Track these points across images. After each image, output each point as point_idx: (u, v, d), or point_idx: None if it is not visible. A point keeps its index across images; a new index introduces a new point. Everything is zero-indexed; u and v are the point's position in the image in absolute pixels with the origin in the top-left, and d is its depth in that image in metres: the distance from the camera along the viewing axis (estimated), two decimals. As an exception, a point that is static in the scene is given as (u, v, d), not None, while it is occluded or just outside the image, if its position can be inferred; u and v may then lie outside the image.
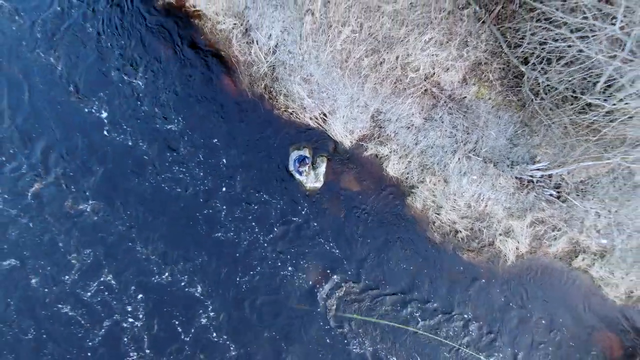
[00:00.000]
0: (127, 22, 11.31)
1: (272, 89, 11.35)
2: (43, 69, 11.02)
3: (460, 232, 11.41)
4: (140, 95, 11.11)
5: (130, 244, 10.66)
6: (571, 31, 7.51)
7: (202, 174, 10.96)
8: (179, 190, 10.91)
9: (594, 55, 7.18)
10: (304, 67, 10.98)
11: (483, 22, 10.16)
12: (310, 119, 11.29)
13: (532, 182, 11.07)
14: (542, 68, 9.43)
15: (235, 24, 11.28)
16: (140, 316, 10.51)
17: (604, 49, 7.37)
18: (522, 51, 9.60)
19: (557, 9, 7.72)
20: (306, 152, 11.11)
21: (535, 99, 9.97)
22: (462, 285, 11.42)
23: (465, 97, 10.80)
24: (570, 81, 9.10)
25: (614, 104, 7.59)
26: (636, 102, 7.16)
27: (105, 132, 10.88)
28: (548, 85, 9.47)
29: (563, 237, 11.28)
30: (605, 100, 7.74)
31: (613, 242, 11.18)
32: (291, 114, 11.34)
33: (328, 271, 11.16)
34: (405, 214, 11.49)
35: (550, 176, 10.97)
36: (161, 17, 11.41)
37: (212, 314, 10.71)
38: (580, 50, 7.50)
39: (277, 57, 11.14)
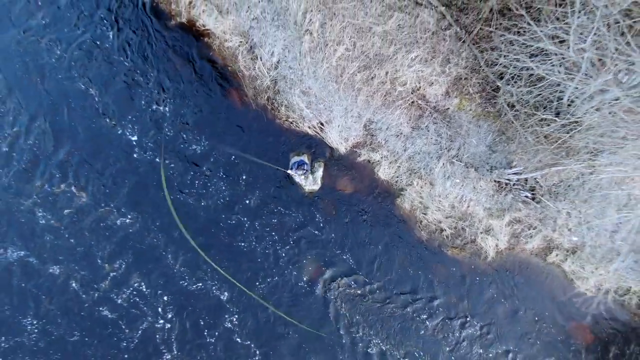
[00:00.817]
0: (149, 46, 12.47)
1: (274, 100, 12.52)
2: (78, 93, 12.23)
3: (445, 230, 12.55)
4: (165, 115, 12.35)
5: (162, 252, 11.86)
6: (531, 56, 8.69)
7: (224, 186, 12.19)
8: (203, 203, 12.08)
9: (550, 77, 8.34)
10: (303, 81, 12.14)
11: (463, 41, 11.33)
12: (309, 127, 12.45)
13: (509, 185, 12.22)
14: (515, 83, 10.61)
15: (241, 41, 12.45)
16: (171, 319, 11.73)
17: (562, 70, 8.54)
18: (497, 69, 10.78)
19: (520, 34, 8.91)
20: (305, 158, 12.24)
21: (510, 111, 11.13)
22: (446, 278, 12.58)
23: (449, 108, 11.96)
24: (540, 94, 10.29)
25: (569, 119, 8.76)
26: (589, 118, 8.32)
27: (134, 153, 12.12)
28: (521, 98, 10.64)
29: (538, 235, 12.41)
30: (559, 115, 8.91)
31: (583, 239, 12.31)
32: (291, 123, 12.50)
33: (325, 265, 12.33)
34: (395, 214, 12.64)
35: (525, 179, 12.12)
36: (177, 36, 12.58)
37: (235, 318, 11.91)
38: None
39: (278, 72, 12.32)
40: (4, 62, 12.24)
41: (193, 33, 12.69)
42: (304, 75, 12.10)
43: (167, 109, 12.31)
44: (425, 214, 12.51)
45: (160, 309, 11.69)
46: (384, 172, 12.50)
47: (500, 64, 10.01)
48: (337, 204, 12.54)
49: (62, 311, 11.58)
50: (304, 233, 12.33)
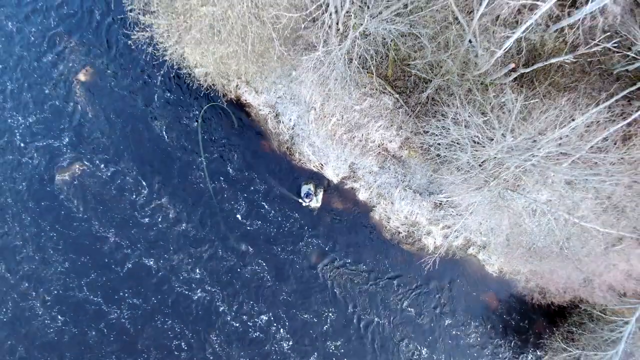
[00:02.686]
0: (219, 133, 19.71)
1: (291, 149, 19.40)
2: (185, 164, 19.59)
3: (402, 233, 19.43)
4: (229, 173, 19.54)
5: (244, 269, 19.20)
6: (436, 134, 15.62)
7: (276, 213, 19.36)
8: (264, 231, 19.24)
9: (447, 150, 15.27)
10: (310, 138, 19.00)
11: (410, 116, 18.16)
12: (314, 166, 19.33)
13: (442, 204, 19.05)
14: (440, 143, 17.42)
15: (269, 111, 19.33)
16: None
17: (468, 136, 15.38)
18: (431, 133, 17.58)
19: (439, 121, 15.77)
20: (311, 186, 19.14)
21: (439, 159, 17.96)
22: (403, 263, 19.53)
23: (402, 156, 18.78)
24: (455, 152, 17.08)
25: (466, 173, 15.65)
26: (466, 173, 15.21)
27: (215, 202, 19.21)
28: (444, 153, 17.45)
29: (461, 236, 19.27)
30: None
31: (490, 239, 19.13)
32: (303, 163, 19.39)
33: (325, 255, 19.29)
34: (369, 222, 19.55)
35: (452, 201, 18.95)
36: (232, 110, 19.63)
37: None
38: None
39: (294, 131, 19.18)
40: (119, 131, 19.36)
41: (239, 105, 19.65)
42: (310, 134, 18.97)
43: (233, 172, 19.57)
44: (388, 222, 19.39)
45: (254, 314, 19.17)
46: (362, 196, 19.37)
47: (431, 133, 16.83)
48: (331, 216, 19.47)
49: (174, 309, 19.03)
50: (310, 235, 19.29)
